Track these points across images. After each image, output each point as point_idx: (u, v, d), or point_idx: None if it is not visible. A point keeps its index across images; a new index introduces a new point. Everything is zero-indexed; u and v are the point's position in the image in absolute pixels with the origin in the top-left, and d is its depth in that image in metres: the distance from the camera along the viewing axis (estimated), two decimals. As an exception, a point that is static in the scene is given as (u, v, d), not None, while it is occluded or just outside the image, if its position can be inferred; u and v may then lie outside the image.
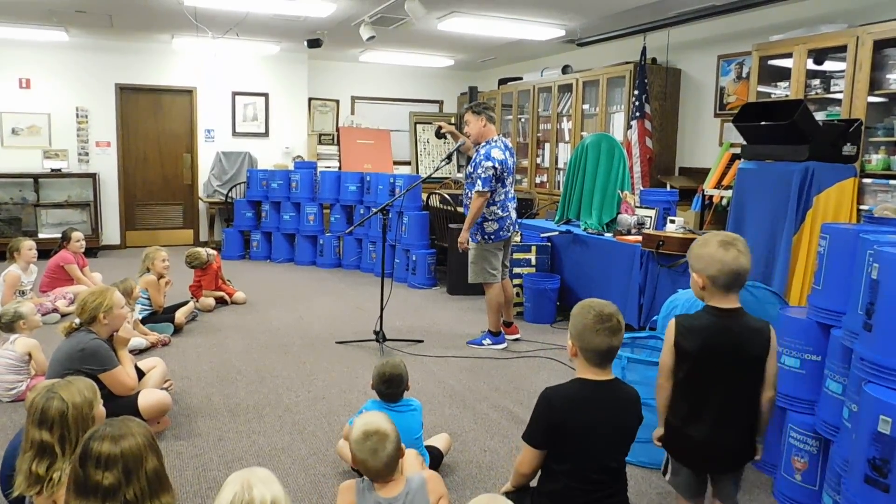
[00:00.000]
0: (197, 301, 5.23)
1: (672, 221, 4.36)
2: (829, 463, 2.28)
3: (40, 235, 7.19)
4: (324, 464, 2.75)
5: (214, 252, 5.64)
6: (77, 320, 2.91)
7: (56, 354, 2.86)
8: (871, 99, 4.14)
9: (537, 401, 2.01)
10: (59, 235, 5.53)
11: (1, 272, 4.96)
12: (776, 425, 2.68)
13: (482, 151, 4.17)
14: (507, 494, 2.19)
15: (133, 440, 1.60)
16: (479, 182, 4.12)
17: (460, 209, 6.14)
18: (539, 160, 7.88)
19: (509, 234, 4.36)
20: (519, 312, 5.26)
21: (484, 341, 4.43)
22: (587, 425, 1.95)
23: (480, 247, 4.28)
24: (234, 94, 8.53)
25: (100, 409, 2.02)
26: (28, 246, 4.97)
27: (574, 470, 1.97)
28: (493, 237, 4.25)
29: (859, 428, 1.93)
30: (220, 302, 5.42)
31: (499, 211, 4.22)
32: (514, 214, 4.38)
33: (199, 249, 5.50)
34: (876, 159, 4.13)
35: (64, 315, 4.88)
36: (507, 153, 4.24)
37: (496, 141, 4.21)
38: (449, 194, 6.63)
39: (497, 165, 4.10)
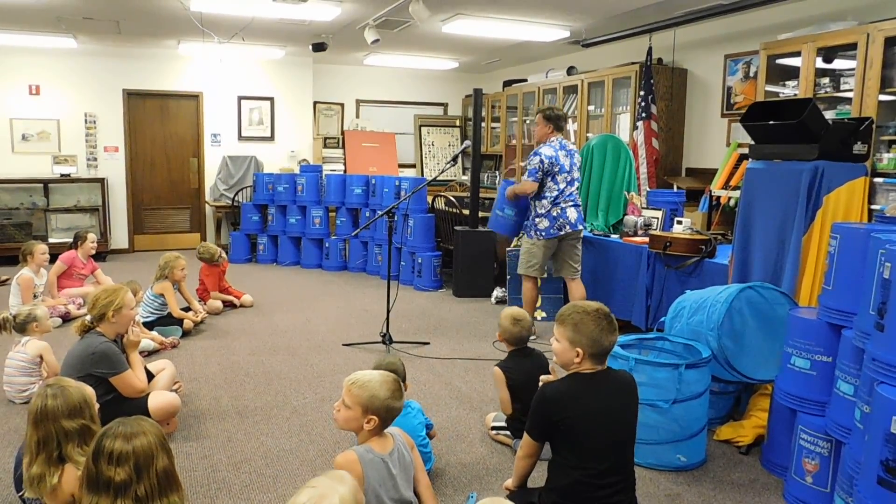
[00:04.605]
0: (204, 304, 5.24)
1: (679, 222, 4.34)
2: (841, 465, 2.26)
3: (51, 240, 7.23)
4: (331, 465, 2.74)
5: (224, 256, 5.67)
6: (88, 317, 2.94)
7: (68, 358, 2.88)
8: (883, 97, 4.08)
9: (534, 398, 2.12)
10: (69, 240, 5.54)
11: (13, 276, 5.00)
12: (786, 427, 2.66)
13: (537, 151, 4.52)
14: (512, 493, 2.24)
15: (145, 438, 1.66)
16: (527, 173, 4.50)
17: (466, 211, 6.19)
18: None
19: (561, 232, 4.47)
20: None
21: None
22: (585, 415, 2.02)
23: (529, 242, 4.58)
24: (240, 98, 8.56)
25: (93, 415, 2.05)
26: (41, 250, 5.01)
27: (581, 464, 2.02)
28: (542, 234, 4.49)
29: (872, 429, 1.90)
30: (228, 305, 5.43)
31: (548, 205, 4.45)
32: (572, 214, 4.48)
33: (213, 245, 5.53)
34: (887, 158, 4.09)
35: (75, 317, 4.91)
36: (563, 152, 4.47)
37: (553, 142, 4.50)
38: (454, 196, 6.63)
39: (544, 160, 4.40)
